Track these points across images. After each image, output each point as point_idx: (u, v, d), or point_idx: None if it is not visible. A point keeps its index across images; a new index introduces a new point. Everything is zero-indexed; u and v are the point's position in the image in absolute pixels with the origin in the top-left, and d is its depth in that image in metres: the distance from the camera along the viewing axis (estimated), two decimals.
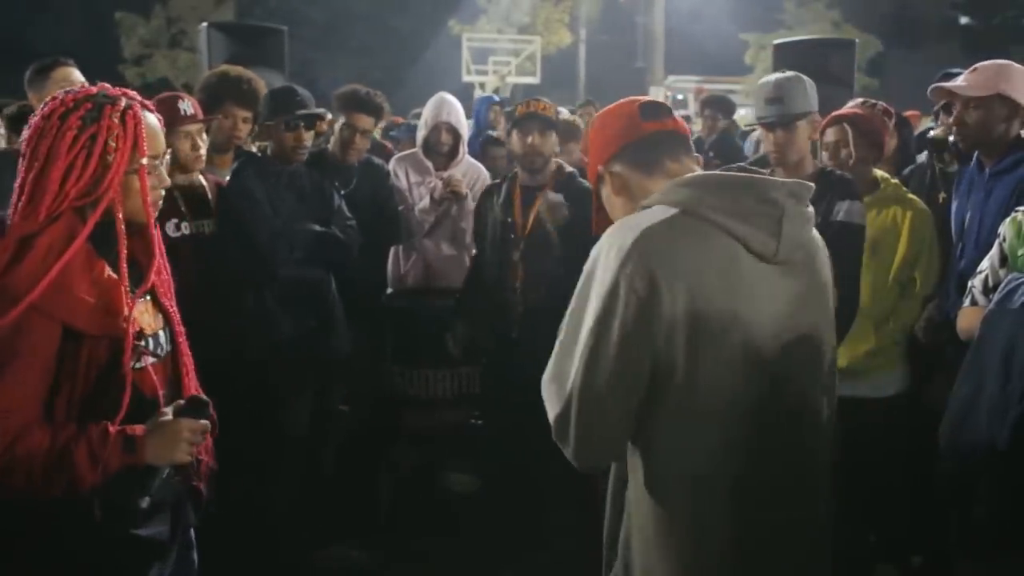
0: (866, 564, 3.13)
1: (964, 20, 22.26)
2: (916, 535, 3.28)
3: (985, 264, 2.28)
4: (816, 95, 2.77)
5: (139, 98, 1.70)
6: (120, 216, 1.64)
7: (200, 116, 3.00)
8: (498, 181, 3.53)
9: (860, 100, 3.12)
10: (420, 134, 4.03)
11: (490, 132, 6.55)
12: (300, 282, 3.11)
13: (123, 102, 1.66)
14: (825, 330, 1.58)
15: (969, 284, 2.33)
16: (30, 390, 1.55)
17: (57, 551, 1.63)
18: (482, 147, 5.75)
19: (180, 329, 1.83)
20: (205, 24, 5.51)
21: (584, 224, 3.10)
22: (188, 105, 2.95)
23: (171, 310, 1.81)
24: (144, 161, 1.67)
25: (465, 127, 4.06)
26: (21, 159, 1.63)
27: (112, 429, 1.60)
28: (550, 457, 3.37)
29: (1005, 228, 2.25)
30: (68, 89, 1.67)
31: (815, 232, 1.60)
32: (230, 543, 2.94)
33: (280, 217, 3.06)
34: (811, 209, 1.57)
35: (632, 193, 1.61)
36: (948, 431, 2.12)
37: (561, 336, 1.52)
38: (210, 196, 3.05)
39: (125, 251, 1.64)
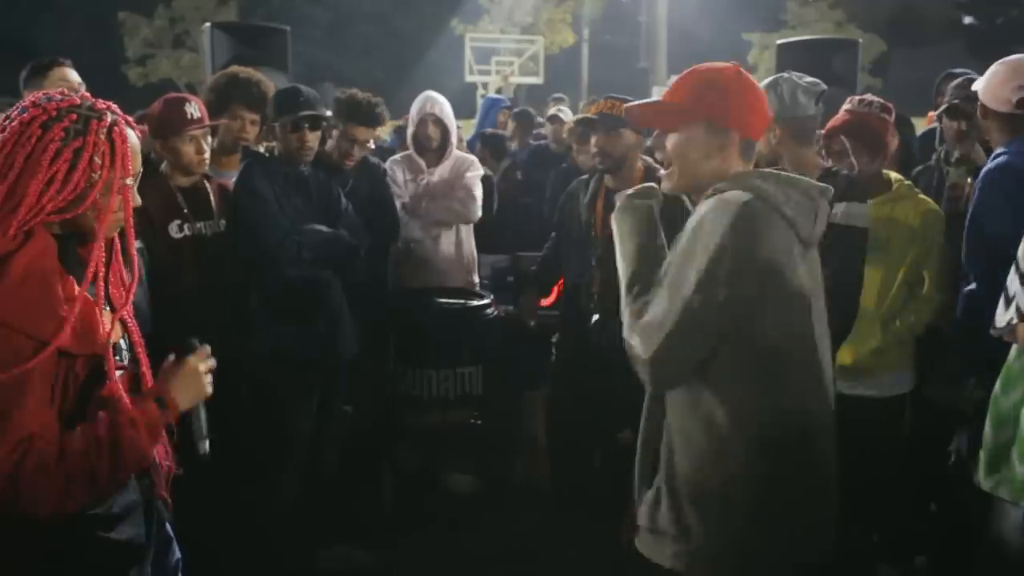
0: (869, 564, 3.12)
1: (968, 20, 22.21)
2: (919, 535, 3.28)
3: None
4: (804, 97, 2.73)
5: (121, 113, 1.65)
6: (101, 235, 1.60)
7: (206, 119, 3.00)
8: (586, 177, 3.49)
9: (857, 99, 3.08)
10: (408, 131, 4.05)
11: (485, 130, 6.56)
12: (307, 283, 3.12)
13: (109, 117, 1.60)
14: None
15: (1013, 292, 2.19)
16: (48, 408, 1.52)
17: (36, 559, 1.60)
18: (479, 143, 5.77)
19: (138, 339, 1.79)
20: (208, 24, 5.51)
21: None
22: (195, 108, 2.95)
23: (129, 319, 1.77)
24: (129, 181, 1.62)
25: (453, 121, 4.04)
26: None
27: (131, 404, 1.61)
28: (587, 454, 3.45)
29: None
30: (48, 95, 1.59)
31: None
32: (234, 543, 2.95)
33: (287, 218, 3.06)
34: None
35: (722, 158, 1.86)
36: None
37: (667, 279, 1.79)
38: (212, 198, 3.05)
39: (103, 270, 1.61)
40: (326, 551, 3.30)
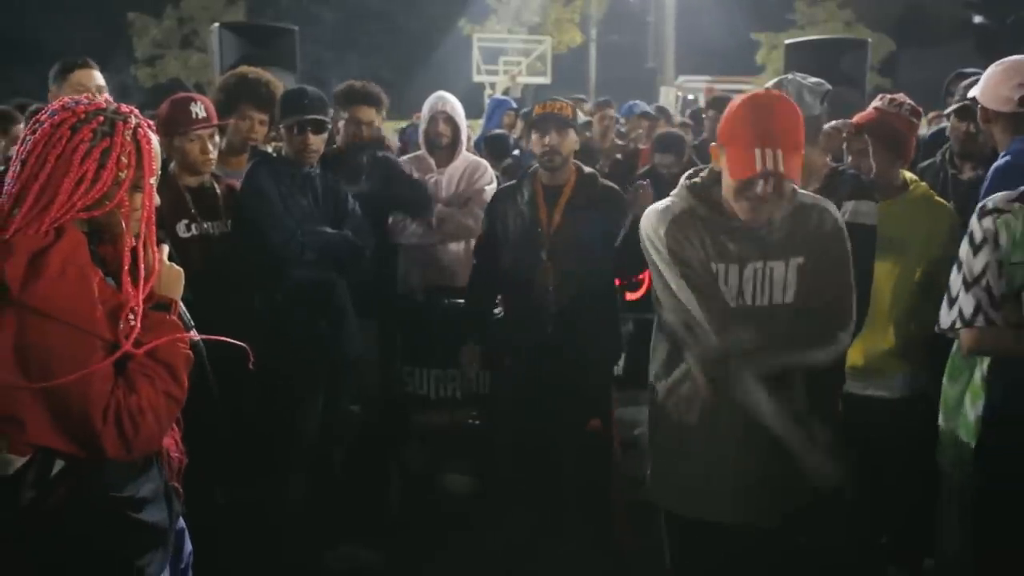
0: (878, 566, 3.11)
1: (978, 19, 22.09)
2: (929, 538, 3.26)
3: (979, 274, 2.14)
4: (810, 97, 2.71)
5: (143, 117, 1.74)
6: (128, 231, 1.68)
7: (213, 118, 3.01)
8: (514, 182, 3.50)
9: (888, 98, 3.05)
10: (420, 129, 4.05)
11: (489, 132, 6.56)
12: (312, 283, 3.12)
13: (133, 120, 1.69)
14: None
15: (974, 299, 2.15)
16: (109, 369, 1.62)
17: (66, 539, 1.67)
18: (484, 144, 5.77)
19: None
20: (217, 24, 5.54)
21: (612, 224, 3.13)
22: (201, 108, 2.96)
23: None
24: (152, 181, 1.71)
25: (463, 119, 4.05)
26: (16, 164, 1.63)
27: (143, 328, 1.67)
28: (566, 458, 3.41)
29: (994, 231, 2.10)
30: (76, 99, 1.69)
31: None
32: (241, 541, 2.95)
33: (293, 218, 3.06)
34: None
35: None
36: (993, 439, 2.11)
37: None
38: (220, 197, 3.06)
39: (128, 265, 1.68)
40: (333, 550, 3.31)
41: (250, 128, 3.42)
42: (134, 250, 1.71)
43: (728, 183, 2.14)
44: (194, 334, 1.85)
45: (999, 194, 2.18)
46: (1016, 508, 2.13)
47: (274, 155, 3.36)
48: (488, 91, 17.53)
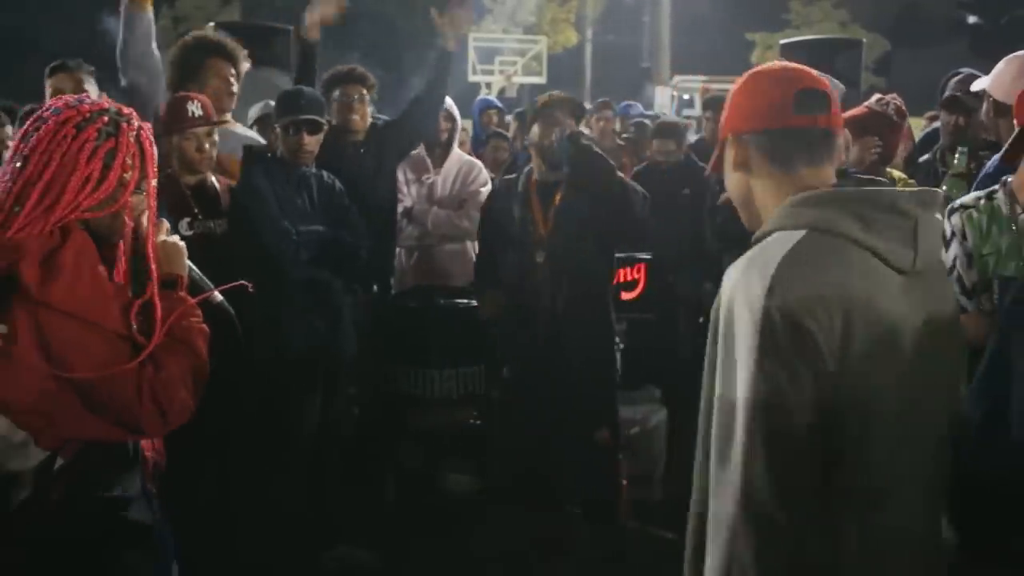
0: None
1: (972, 19, 22.15)
2: None
3: (950, 267, 2.22)
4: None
5: (140, 120, 1.73)
6: (130, 232, 1.70)
7: (211, 116, 3.01)
8: (512, 177, 3.44)
9: (876, 98, 3.07)
10: None
11: (496, 130, 6.56)
12: (307, 283, 3.12)
13: (135, 122, 1.69)
14: (951, 342, 1.45)
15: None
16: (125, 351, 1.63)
17: (54, 537, 1.66)
18: (486, 140, 5.79)
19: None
20: (211, 24, 5.52)
21: (609, 220, 3.05)
22: (197, 107, 2.97)
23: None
24: (154, 183, 1.71)
25: (459, 118, 4.08)
26: (16, 162, 1.61)
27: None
28: (560, 458, 3.39)
29: (961, 226, 2.21)
30: (79, 98, 1.68)
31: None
32: (238, 541, 2.95)
33: (288, 218, 3.06)
34: (940, 217, 1.44)
35: (754, 177, 1.46)
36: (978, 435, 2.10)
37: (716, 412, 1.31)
38: (220, 195, 3.07)
39: (125, 264, 1.70)
40: (329, 550, 3.30)
41: (226, 83, 3.40)
42: (136, 250, 1.71)
43: None
44: (216, 296, 1.88)
45: (969, 195, 2.31)
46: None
47: (269, 154, 3.36)
48: (484, 91, 17.52)
